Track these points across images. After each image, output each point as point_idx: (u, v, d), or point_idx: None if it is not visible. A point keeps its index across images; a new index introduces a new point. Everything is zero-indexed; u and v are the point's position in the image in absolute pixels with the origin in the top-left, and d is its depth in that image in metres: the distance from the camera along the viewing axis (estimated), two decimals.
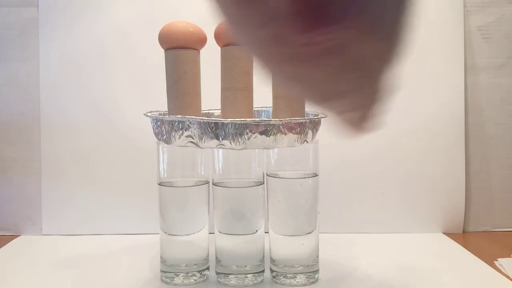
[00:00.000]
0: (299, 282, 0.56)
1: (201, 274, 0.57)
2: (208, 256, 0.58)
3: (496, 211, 0.79)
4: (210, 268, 0.58)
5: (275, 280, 0.57)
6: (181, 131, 0.52)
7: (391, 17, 0.21)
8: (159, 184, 0.57)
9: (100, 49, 0.77)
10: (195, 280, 0.57)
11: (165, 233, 0.57)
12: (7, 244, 0.72)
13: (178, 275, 0.57)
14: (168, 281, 0.57)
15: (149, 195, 0.74)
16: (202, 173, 0.57)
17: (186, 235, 0.57)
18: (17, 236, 0.77)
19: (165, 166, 0.57)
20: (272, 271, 0.57)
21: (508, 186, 0.78)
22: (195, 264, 0.57)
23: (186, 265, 0.57)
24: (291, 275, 0.56)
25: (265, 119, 0.59)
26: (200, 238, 0.57)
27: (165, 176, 0.57)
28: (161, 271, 0.58)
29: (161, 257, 0.58)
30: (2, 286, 0.57)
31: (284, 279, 0.56)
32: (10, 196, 0.78)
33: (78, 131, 0.77)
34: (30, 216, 0.77)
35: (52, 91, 0.77)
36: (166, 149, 0.57)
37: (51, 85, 0.77)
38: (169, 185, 0.57)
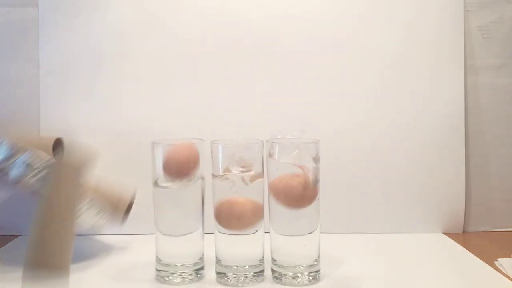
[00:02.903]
0: (300, 282, 0.56)
1: (196, 273, 0.57)
2: (203, 255, 0.58)
3: (496, 211, 0.78)
4: (210, 268, 0.58)
5: (276, 280, 0.56)
6: None
7: None
8: (154, 185, 0.57)
9: (100, 49, 0.77)
10: (190, 279, 0.57)
11: (160, 232, 0.57)
12: (7, 244, 0.72)
13: (173, 274, 0.57)
14: (163, 280, 0.57)
15: (146, 195, 0.74)
16: (198, 173, 0.57)
17: (181, 235, 0.57)
18: (17, 236, 0.77)
19: (160, 167, 0.57)
20: (273, 271, 0.57)
21: (508, 186, 0.78)
22: (190, 263, 0.57)
23: (181, 265, 0.57)
24: (293, 275, 0.56)
25: None
26: (195, 237, 0.57)
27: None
28: (157, 269, 0.58)
29: (156, 256, 0.58)
30: (2, 286, 0.57)
31: (285, 279, 0.56)
32: (10, 196, 0.78)
33: (77, 131, 0.76)
34: (30, 216, 0.77)
35: (52, 91, 0.77)
36: (161, 150, 0.57)
37: (51, 85, 0.77)
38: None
